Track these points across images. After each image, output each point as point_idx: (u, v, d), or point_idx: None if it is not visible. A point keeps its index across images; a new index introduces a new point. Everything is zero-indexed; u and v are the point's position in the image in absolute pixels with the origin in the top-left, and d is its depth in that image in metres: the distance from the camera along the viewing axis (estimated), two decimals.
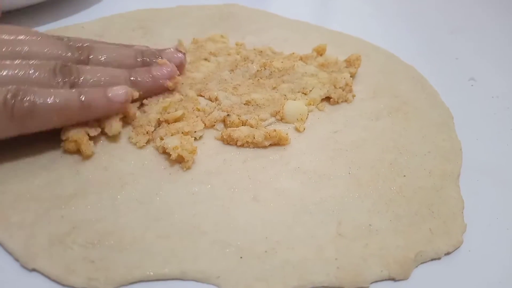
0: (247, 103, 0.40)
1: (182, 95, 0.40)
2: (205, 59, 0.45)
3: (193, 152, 0.34)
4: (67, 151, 0.34)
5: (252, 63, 0.44)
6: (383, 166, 0.36)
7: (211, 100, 0.40)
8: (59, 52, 0.35)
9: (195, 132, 0.36)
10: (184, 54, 0.41)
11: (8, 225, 0.30)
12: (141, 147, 0.35)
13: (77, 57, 0.36)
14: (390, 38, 0.53)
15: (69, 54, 0.35)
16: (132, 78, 0.36)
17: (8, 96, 0.30)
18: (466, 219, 0.33)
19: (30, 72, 0.32)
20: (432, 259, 0.30)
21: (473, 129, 0.41)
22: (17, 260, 0.28)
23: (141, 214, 0.31)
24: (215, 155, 0.36)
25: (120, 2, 0.58)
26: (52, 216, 0.30)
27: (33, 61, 0.33)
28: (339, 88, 0.42)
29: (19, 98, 0.30)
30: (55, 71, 0.33)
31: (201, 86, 0.41)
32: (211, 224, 0.31)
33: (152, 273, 0.28)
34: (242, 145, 0.36)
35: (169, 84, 0.39)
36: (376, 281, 0.29)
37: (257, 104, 0.40)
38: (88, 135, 0.34)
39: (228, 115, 0.38)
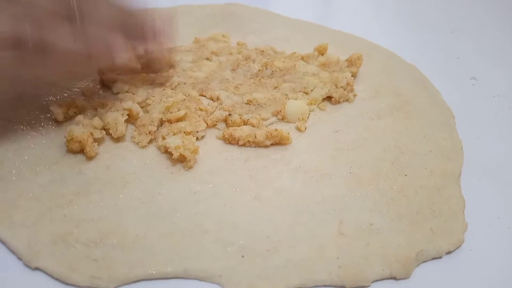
0: (249, 102, 0.40)
1: (185, 95, 0.40)
2: (207, 59, 0.45)
3: (195, 151, 0.34)
4: (70, 151, 0.35)
5: (253, 63, 0.44)
6: (385, 165, 0.36)
7: (212, 100, 0.40)
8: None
9: (197, 132, 0.36)
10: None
11: (11, 224, 0.30)
12: (143, 147, 0.36)
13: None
14: (392, 38, 0.53)
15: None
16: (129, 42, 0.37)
17: (21, 32, 0.30)
18: (467, 218, 0.33)
19: (39, 11, 0.32)
20: (433, 258, 0.30)
21: (474, 128, 0.41)
22: (20, 258, 0.29)
23: (143, 213, 0.31)
24: (217, 155, 0.36)
25: None
26: (54, 215, 0.30)
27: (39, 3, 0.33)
28: (341, 87, 0.42)
29: (32, 34, 0.30)
30: (61, 15, 0.33)
31: (203, 85, 0.42)
32: (213, 223, 0.31)
33: (154, 272, 0.28)
34: (243, 145, 0.36)
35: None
36: (378, 280, 0.29)
37: (259, 104, 0.40)
38: (93, 136, 0.34)
39: (229, 114, 0.38)
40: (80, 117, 0.36)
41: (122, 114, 0.36)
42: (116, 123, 0.35)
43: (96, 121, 0.35)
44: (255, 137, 0.36)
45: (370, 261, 0.29)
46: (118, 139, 0.36)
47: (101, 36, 0.35)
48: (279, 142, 0.37)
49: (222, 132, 0.37)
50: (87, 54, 0.34)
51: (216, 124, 0.38)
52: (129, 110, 0.36)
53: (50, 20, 0.33)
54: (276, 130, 0.36)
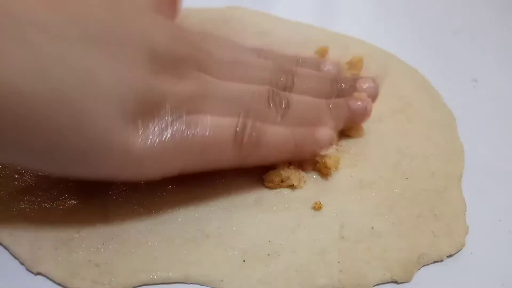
0: None
1: None
2: None
3: None
4: None
5: None
6: (386, 169, 0.36)
7: None
8: (269, 76, 0.33)
9: None
10: (378, 85, 0.38)
11: (13, 229, 0.30)
12: None
13: (283, 83, 0.34)
14: (392, 40, 0.53)
15: (277, 78, 0.34)
16: (332, 112, 0.35)
17: (238, 128, 0.29)
18: (468, 221, 0.33)
19: (250, 98, 0.31)
20: (434, 262, 0.30)
21: (476, 131, 0.41)
22: (22, 263, 0.29)
23: (144, 217, 0.31)
24: None
25: None
26: (56, 220, 0.30)
27: (250, 85, 0.32)
28: None
29: (247, 131, 0.29)
30: (268, 100, 0.31)
31: None
32: (214, 228, 0.31)
33: (156, 277, 0.28)
34: None
35: (366, 119, 0.37)
36: (379, 284, 0.29)
37: None
38: None
39: None
40: None
41: None
42: None
43: None
44: None
45: (371, 265, 0.29)
46: None
47: (306, 115, 0.33)
48: None
49: None
50: (297, 146, 0.32)
51: None
52: None
53: (264, 106, 0.31)
54: None
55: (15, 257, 0.29)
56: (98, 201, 0.32)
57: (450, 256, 0.31)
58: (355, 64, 0.45)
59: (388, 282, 0.29)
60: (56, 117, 0.23)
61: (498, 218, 0.34)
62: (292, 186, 0.34)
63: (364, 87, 0.37)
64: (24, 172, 0.33)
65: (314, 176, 0.35)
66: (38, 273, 0.28)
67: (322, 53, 0.46)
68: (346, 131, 0.38)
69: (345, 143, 0.38)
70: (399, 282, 0.29)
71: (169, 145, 0.26)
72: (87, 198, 0.32)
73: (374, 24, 0.58)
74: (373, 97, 0.38)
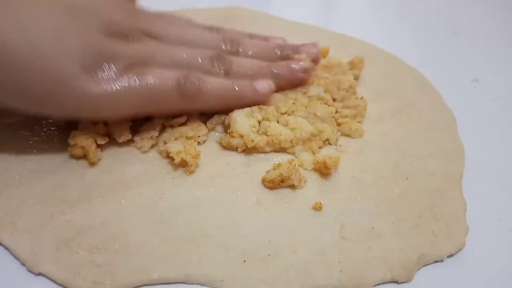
0: None
1: None
2: None
3: (196, 156, 0.34)
4: (73, 156, 0.35)
5: None
6: (386, 169, 0.36)
7: None
8: (215, 44, 0.39)
9: (198, 136, 0.36)
10: (319, 49, 0.44)
11: (14, 230, 0.30)
12: (145, 152, 0.36)
13: (229, 49, 0.40)
14: (393, 40, 0.53)
15: (223, 46, 0.39)
16: (273, 71, 0.39)
17: (181, 79, 0.34)
18: (468, 221, 0.33)
19: (195, 58, 0.36)
20: (435, 261, 0.30)
21: (476, 131, 0.41)
22: (23, 264, 0.29)
23: (145, 218, 0.31)
24: (218, 159, 0.36)
25: None
26: (57, 221, 0.31)
27: (196, 49, 0.37)
28: (343, 89, 0.42)
29: (189, 81, 0.34)
30: (212, 60, 0.37)
31: None
32: (214, 228, 0.31)
33: (156, 277, 0.28)
34: (243, 151, 0.36)
35: (305, 76, 0.40)
36: (379, 284, 0.29)
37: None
38: (96, 142, 0.34)
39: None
40: (83, 123, 0.36)
41: (127, 120, 0.36)
42: (120, 129, 0.35)
43: (100, 127, 0.35)
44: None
45: (372, 265, 0.29)
46: (120, 144, 0.36)
47: (247, 72, 0.38)
48: (279, 149, 0.36)
49: (220, 137, 0.37)
50: (236, 94, 0.36)
51: (215, 127, 0.38)
52: None
53: (207, 65, 0.37)
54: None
55: (16, 258, 0.29)
56: (98, 201, 0.32)
57: (451, 256, 0.31)
58: (356, 64, 0.45)
59: (389, 282, 0.29)
60: (30, 62, 0.29)
61: (498, 218, 0.34)
62: (292, 186, 0.34)
63: (305, 51, 0.42)
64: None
65: (314, 176, 0.35)
66: (39, 274, 0.28)
67: (323, 53, 0.46)
68: (346, 131, 0.38)
69: (345, 143, 0.38)
70: (399, 282, 0.29)
71: (120, 91, 0.32)
72: (86, 197, 0.32)
73: (374, 24, 0.58)
74: (315, 60, 0.43)
